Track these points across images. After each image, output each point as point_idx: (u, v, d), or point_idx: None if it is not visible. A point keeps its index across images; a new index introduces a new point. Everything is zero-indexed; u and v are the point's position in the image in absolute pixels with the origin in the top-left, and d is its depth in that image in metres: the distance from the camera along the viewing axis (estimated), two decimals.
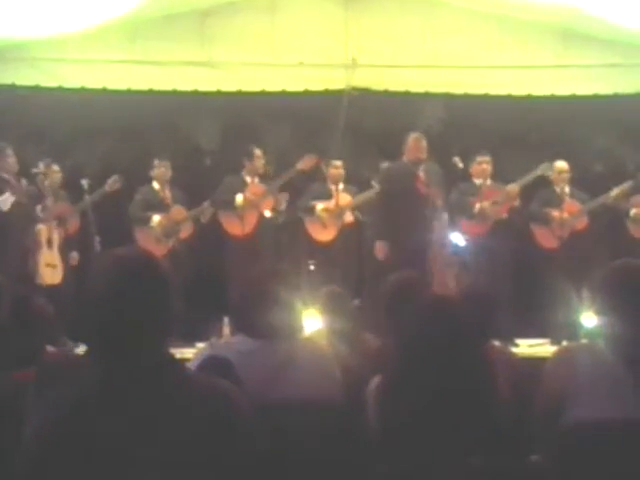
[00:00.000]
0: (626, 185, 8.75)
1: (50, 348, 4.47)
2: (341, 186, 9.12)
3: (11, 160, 8.35)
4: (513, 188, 8.64)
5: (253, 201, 8.73)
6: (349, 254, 9.06)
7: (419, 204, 8.03)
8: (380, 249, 8.24)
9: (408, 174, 8.19)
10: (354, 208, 9.08)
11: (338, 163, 9.12)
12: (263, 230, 8.79)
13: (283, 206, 8.84)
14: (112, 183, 8.78)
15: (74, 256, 8.65)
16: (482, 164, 8.73)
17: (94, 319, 2.23)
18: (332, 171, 9.11)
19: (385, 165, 8.91)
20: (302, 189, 9.14)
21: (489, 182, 8.76)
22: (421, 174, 8.16)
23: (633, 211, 8.75)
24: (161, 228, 8.70)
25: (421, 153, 8.23)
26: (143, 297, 2.21)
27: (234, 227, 8.76)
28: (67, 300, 7.81)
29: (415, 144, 8.26)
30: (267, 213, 8.81)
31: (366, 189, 9.11)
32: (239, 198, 8.73)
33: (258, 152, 8.91)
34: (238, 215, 8.73)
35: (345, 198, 9.01)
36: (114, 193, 8.79)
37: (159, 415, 2.16)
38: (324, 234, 9.00)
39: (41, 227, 8.32)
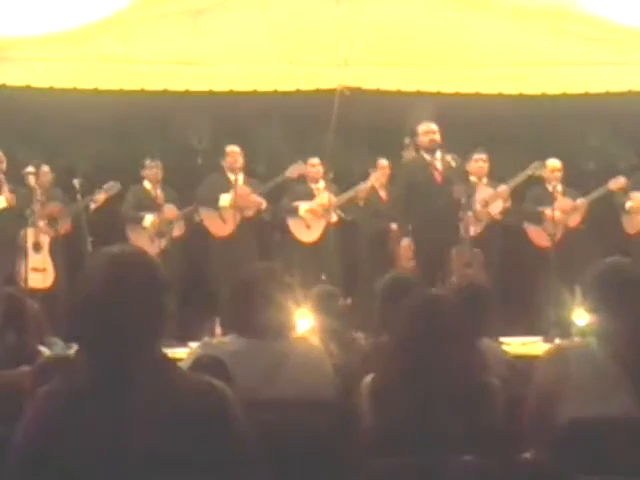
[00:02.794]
0: (621, 180, 8.77)
1: (42, 348, 4.48)
2: (322, 184, 9.03)
3: (0, 161, 8.34)
4: (503, 189, 8.67)
5: (238, 203, 8.70)
6: (336, 254, 9.00)
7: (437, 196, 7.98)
8: (406, 247, 8.20)
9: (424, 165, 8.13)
10: (337, 207, 9.02)
11: (315, 161, 9.02)
12: (244, 231, 8.73)
13: (264, 206, 8.81)
14: (109, 188, 8.73)
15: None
16: (478, 162, 8.74)
17: (87, 317, 2.22)
18: (309, 169, 9.00)
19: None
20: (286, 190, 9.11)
21: (485, 180, 8.79)
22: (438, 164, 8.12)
23: (629, 204, 8.76)
24: (154, 227, 8.68)
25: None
26: (137, 295, 2.20)
27: (215, 226, 8.76)
28: (58, 302, 7.78)
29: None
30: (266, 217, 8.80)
31: (355, 187, 9.07)
32: (225, 199, 8.72)
33: (231, 149, 8.85)
34: (220, 215, 8.72)
35: (328, 198, 8.91)
36: (110, 198, 8.76)
37: (151, 414, 2.16)
38: (308, 235, 8.93)
39: (27, 230, 8.25)
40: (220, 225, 8.72)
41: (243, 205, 8.70)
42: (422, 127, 8.18)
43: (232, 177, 8.79)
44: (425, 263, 7.92)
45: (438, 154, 8.09)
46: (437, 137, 8.08)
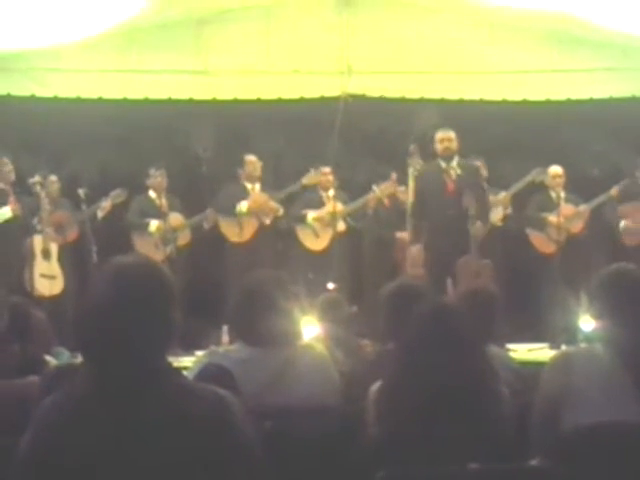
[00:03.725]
0: (623, 183, 8.76)
1: (48, 358, 4.48)
2: (331, 192, 9.05)
3: (8, 170, 8.36)
4: (504, 196, 8.69)
5: (256, 210, 8.77)
6: (343, 262, 9.03)
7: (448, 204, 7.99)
8: (417, 253, 8.21)
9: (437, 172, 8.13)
10: (346, 216, 9.04)
11: (326, 169, 9.05)
12: (262, 237, 8.81)
13: (281, 212, 8.87)
14: (115, 196, 8.77)
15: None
16: None
17: (92, 328, 2.22)
18: (321, 178, 9.06)
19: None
20: (296, 197, 9.15)
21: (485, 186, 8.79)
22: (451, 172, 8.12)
23: (623, 223, 8.75)
24: (159, 234, 8.70)
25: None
26: (143, 306, 2.21)
27: (234, 234, 8.82)
28: (67, 310, 7.79)
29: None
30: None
31: (361, 195, 9.08)
32: (243, 206, 8.79)
33: (250, 158, 8.96)
34: (238, 222, 8.78)
35: (337, 206, 8.91)
36: (116, 206, 8.79)
37: (156, 423, 2.16)
38: (316, 243, 8.97)
39: (35, 237, 8.27)
40: (237, 232, 8.80)
41: (261, 211, 8.77)
42: (440, 134, 8.13)
43: (249, 186, 8.89)
44: (435, 271, 7.91)
45: (454, 162, 8.07)
46: (454, 145, 8.05)
